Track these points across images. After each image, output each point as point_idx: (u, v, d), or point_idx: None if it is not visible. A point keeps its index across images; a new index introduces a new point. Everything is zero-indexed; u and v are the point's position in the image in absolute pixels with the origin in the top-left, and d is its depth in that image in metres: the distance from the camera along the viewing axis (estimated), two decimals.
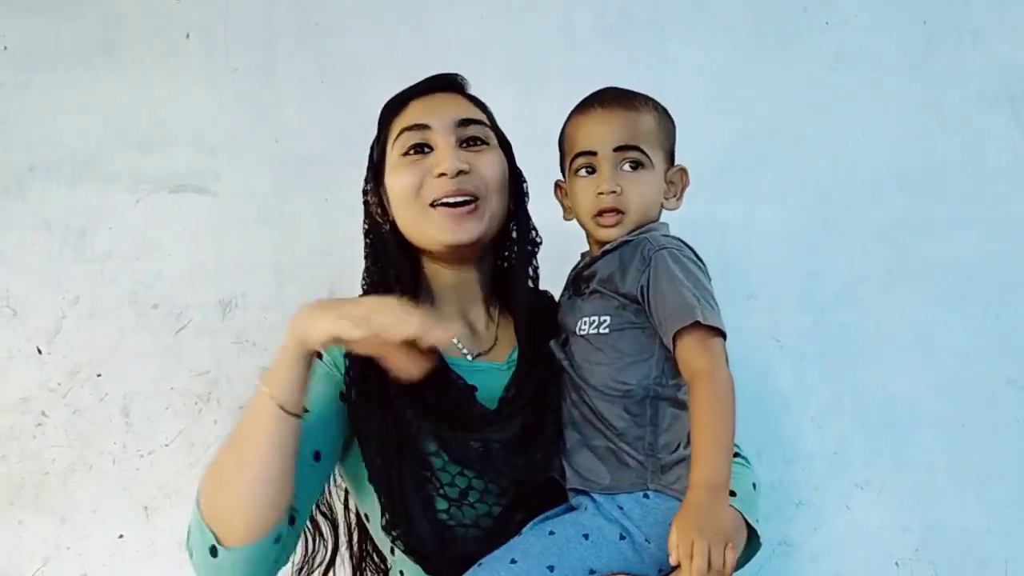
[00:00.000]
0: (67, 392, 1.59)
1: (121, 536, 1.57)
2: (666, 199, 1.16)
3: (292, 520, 1.02)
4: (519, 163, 1.25)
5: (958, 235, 1.66)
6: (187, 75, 1.67)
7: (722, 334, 1.03)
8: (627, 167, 1.11)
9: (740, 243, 1.65)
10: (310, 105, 1.68)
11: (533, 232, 1.24)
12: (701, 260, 1.11)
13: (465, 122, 1.15)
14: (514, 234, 1.23)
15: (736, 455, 1.20)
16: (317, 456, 1.06)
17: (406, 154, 1.14)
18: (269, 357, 1.07)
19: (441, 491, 1.06)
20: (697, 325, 1.00)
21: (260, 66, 1.68)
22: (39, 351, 1.60)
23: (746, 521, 1.10)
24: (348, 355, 1.09)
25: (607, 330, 1.08)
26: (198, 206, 1.65)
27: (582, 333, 1.10)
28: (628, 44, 1.71)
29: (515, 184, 1.22)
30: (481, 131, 1.17)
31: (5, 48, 1.65)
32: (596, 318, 1.09)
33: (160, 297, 1.62)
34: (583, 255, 1.22)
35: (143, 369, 1.60)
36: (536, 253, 1.24)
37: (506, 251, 1.24)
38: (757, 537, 1.12)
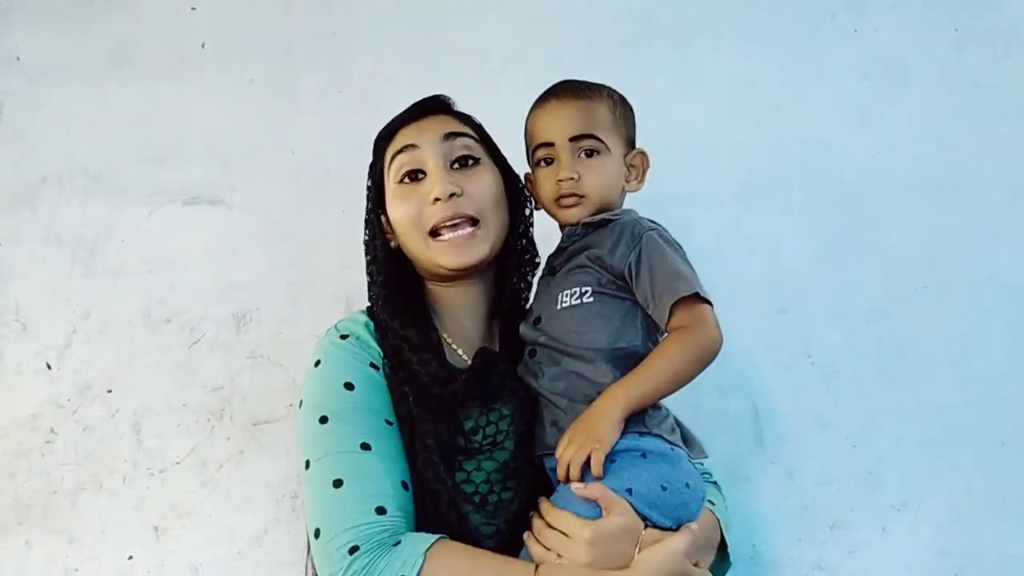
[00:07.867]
0: (77, 408, 1.57)
1: (131, 557, 1.54)
2: (627, 182, 1.20)
3: (406, 486, 1.07)
4: None
5: (994, 247, 1.61)
6: (202, 86, 1.67)
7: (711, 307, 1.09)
8: (583, 155, 1.16)
9: (770, 256, 1.61)
10: (327, 116, 1.66)
11: (529, 253, 1.27)
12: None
13: (450, 135, 1.18)
14: (521, 245, 1.26)
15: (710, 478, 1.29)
16: (388, 422, 1.11)
17: (401, 182, 1.18)
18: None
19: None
20: (696, 296, 1.06)
21: (276, 76, 1.68)
22: (49, 366, 1.58)
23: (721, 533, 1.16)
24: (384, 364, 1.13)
25: (591, 298, 1.12)
26: (212, 218, 1.64)
27: (564, 306, 1.13)
28: (651, 54, 1.69)
29: (512, 196, 1.24)
30: (468, 145, 1.19)
31: (18, 59, 1.65)
32: (578, 289, 1.13)
33: (173, 311, 1.61)
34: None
35: (155, 385, 1.58)
36: (533, 272, 1.28)
37: (508, 264, 1.27)
38: (727, 551, 1.18)
